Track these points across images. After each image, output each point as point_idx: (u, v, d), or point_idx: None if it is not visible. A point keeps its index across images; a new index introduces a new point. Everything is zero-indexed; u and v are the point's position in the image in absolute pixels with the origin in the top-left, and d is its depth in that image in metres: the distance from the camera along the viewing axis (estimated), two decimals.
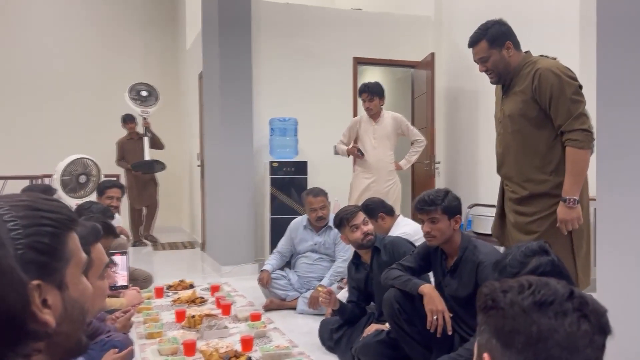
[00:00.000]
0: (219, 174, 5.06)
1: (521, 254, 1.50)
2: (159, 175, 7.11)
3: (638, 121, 1.47)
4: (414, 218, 3.61)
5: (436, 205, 2.30)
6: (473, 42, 2.49)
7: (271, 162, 4.94)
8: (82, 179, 4.72)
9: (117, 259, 2.50)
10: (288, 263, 4.08)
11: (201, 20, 5.78)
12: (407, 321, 2.33)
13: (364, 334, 2.60)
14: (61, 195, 4.73)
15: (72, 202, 4.61)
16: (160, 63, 8.49)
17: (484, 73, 2.54)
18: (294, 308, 3.76)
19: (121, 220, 4.60)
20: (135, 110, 6.74)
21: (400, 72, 6.50)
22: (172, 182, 8.07)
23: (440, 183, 5.59)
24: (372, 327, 2.62)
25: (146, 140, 6.77)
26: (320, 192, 3.89)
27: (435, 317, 2.19)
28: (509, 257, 1.52)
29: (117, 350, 2.15)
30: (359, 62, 5.68)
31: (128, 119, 7.03)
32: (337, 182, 5.02)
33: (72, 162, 4.74)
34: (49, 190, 3.67)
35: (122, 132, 7.16)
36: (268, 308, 3.77)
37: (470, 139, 5.14)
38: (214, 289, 4.24)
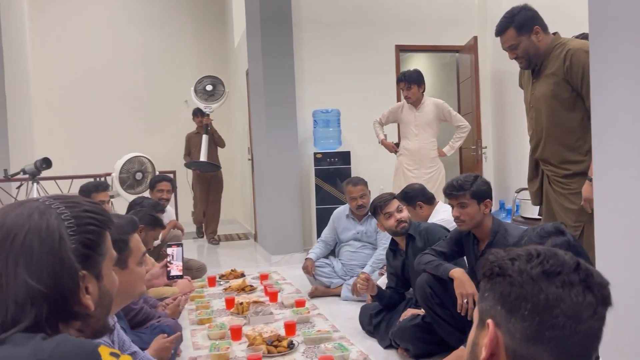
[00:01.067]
0: (266, 167, 5.21)
1: (536, 235, 1.52)
2: None
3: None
4: None
5: (465, 190, 2.33)
6: (500, 31, 2.47)
7: (315, 154, 5.04)
8: (139, 175, 5.00)
9: (173, 250, 2.66)
10: (333, 251, 4.17)
11: (245, 18, 5.95)
12: (439, 305, 2.37)
13: (401, 319, 2.66)
14: (119, 191, 5.03)
15: (130, 198, 4.91)
16: (212, 61, 8.75)
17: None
18: (338, 295, 3.86)
19: (173, 213, 4.83)
20: (199, 105, 6.54)
21: (448, 57, 6.42)
22: (226, 176, 8.34)
23: (487, 168, 5.51)
24: (409, 312, 2.68)
25: (205, 138, 6.45)
26: (359, 181, 3.95)
27: (465, 300, 2.22)
28: (524, 239, 1.54)
29: (165, 335, 2.32)
30: (402, 49, 5.67)
31: (196, 113, 6.72)
32: (381, 171, 5.07)
33: (128, 160, 5.03)
34: (102, 185, 3.92)
35: (175, 129, 7.48)
36: (313, 295, 3.89)
37: (517, 122, 5.02)
38: (263, 277, 4.40)
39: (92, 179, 6.48)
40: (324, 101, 5.28)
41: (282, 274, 4.72)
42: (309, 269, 3.94)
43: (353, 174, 4.84)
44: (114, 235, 1.49)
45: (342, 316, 3.42)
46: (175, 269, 2.55)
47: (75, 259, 0.82)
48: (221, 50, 8.82)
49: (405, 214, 2.90)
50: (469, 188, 2.33)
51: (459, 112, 5.69)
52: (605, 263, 1.52)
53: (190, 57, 8.65)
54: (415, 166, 4.40)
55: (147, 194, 4.61)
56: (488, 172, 5.50)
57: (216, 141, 6.61)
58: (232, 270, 4.67)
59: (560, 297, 0.73)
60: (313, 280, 3.98)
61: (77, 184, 6.42)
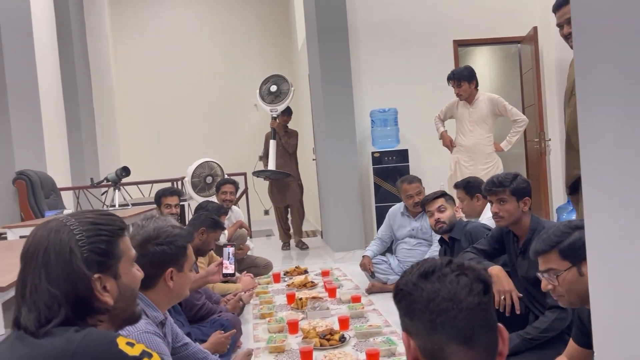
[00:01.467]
0: (328, 167, 5.39)
1: (565, 226, 1.59)
2: None
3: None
4: None
5: (504, 187, 2.37)
6: (561, 4, 2.47)
7: (373, 153, 5.15)
8: (209, 179, 5.35)
9: (227, 249, 2.90)
10: (390, 248, 4.27)
11: (304, 21, 6.15)
12: None
13: None
14: (192, 194, 5.41)
15: (201, 201, 5.26)
16: (278, 65, 9.06)
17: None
18: None
19: (242, 214, 5.12)
20: (265, 109, 6.18)
21: (511, 48, 6.29)
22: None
23: (553, 161, 5.36)
24: None
25: (272, 145, 6.03)
26: (414, 179, 4.02)
27: (502, 297, 2.27)
28: (552, 229, 1.62)
29: (222, 330, 2.55)
30: (460, 44, 5.63)
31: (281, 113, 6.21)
32: (439, 167, 5.09)
33: (199, 165, 5.40)
34: (169, 190, 4.26)
35: (245, 132, 7.84)
36: (370, 291, 4.01)
37: None
38: (324, 273, 4.58)
39: (169, 183, 6.99)
40: (381, 100, 5.37)
41: (344, 270, 4.88)
42: (366, 266, 4.07)
43: (411, 172, 4.91)
44: (179, 243, 1.72)
45: (396, 312, 3.50)
46: (229, 268, 2.78)
47: (87, 266, 1.02)
48: (286, 54, 9.10)
49: (446, 214, 2.96)
50: (508, 185, 2.37)
51: (522, 104, 5.58)
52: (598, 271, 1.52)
53: (258, 62, 9.00)
54: (471, 162, 4.40)
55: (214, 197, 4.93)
56: (554, 165, 5.35)
57: (284, 146, 6.08)
58: (296, 267, 4.88)
59: (437, 289, 0.88)
60: (371, 277, 4.11)
61: (157, 188, 6.94)
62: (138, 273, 1.16)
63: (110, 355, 0.94)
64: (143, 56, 8.71)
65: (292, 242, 6.34)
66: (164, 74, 8.73)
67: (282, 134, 6.08)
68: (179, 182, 6.94)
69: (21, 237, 3.42)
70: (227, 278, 3.13)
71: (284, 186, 6.11)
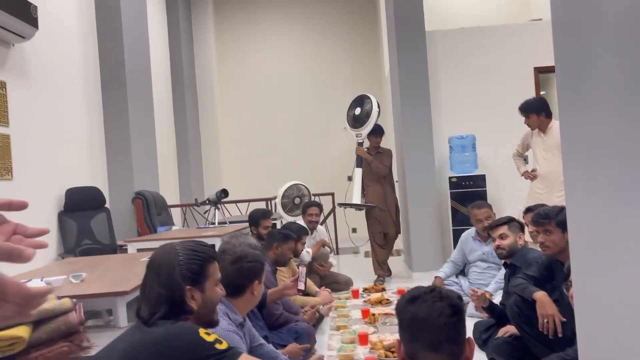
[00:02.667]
0: (408, 190, 5.68)
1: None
2: None
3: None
4: None
5: (550, 219, 2.58)
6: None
7: (450, 178, 5.37)
8: (297, 200, 5.85)
9: (300, 270, 3.34)
10: (463, 271, 4.48)
11: (387, 50, 6.52)
12: (526, 323, 2.63)
13: (498, 335, 2.94)
14: (282, 214, 5.93)
15: (290, 220, 5.77)
16: (367, 89, 9.47)
17: None
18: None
19: (326, 233, 5.55)
20: (351, 133, 5.85)
21: None
22: None
23: None
24: (506, 329, 2.95)
25: (357, 174, 5.57)
26: (484, 204, 4.22)
27: (545, 320, 2.47)
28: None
29: (298, 339, 2.97)
30: (541, 71, 5.71)
31: (376, 131, 5.64)
32: (517, 193, 5.19)
33: (289, 187, 5.91)
34: (267, 213, 4.77)
35: (335, 154, 8.29)
36: None
37: None
38: (400, 292, 4.86)
39: (263, 202, 7.61)
40: (460, 126, 5.59)
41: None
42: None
43: (489, 197, 5.07)
44: (261, 260, 2.17)
45: None
46: (300, 285, 3.20)
47: (182, 279, 1.49)
48: (376, 79, 9.50)
49: (506, 242, 3.17)
50: (554, 217, 2.58)
51: None
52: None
53: (349, 86, 9.47)
54: (545, 190, 4.49)
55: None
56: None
57: (374, 170, 5.51)
58: (374, 285, 5.21)
59: (417, 311, 1.24)
60: None
61: (253, 206, 7.60)
62: (219, 291, 1.60)
63: (193, 339, 1.38)
64: (242, 85, 9.53)
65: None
66: (261, 100, 9.49)
67: (373, 155, 5.54)
68: (272, 202, 7.55)
69: (138, 250, 4.07)
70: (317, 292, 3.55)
71: (381, 211, 5.51)
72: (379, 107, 5.59)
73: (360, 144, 5.61)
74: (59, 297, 1.87)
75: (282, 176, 8.37)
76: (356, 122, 5.65)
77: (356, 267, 7.03)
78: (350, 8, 9.35)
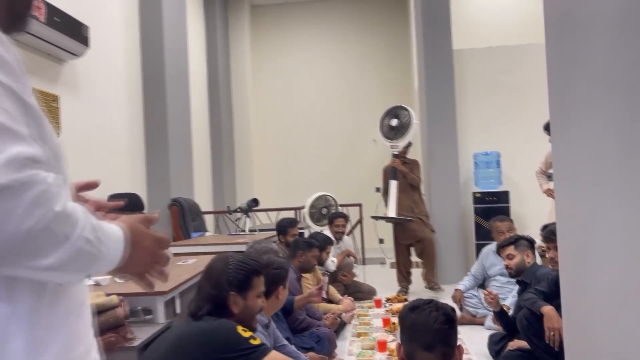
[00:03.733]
0: (433, 204, 5.83)
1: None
2: None
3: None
4: None
5: None
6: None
7: (474, 193, 5.50)
8: (324, 211, 6.07)
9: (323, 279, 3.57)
10: (482, 284, 4.60)
11: (416, 68, 6.71)
12: (534, 335, 2.78)
13: (508, 347, 3.09)
14: (309, 224, 6.15)
15: (317, 229, 6.00)
16: (396, 102, 9.63)
17: None
18: (482, 324, 4.29)
19: (352, 243, 5.74)
20: (385, 145, 5.71)
21: None
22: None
23: None
24: (515, 343, 3.09)
25: (393, 186, 5.37)
26: (505, 218, 4.36)
27: (552, 333, 2.61)
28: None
29: (318, 343, 3.18)
30: None
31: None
32: (540, 210, 5.29)
33: (317, 197, 6.14)
34: (294, 222, 5.01)
35: (363, 166, 8.48)
36: (460, 322, 4.37)
37: None
38: None
39: (293, 211, 7.85)
40: (485, 143, 5.72)
41: (444, 301, 5.25)
42: (457, 298, 4.45)
43: (512, 213, 5.18)
44: (286, 267, 2.42)
45: (478, 342, 3.87)
46: (322, 294, 3.42)
47: (228, 285, 1.73)
48: (406, 92, 9.66)
49: (514, 261, 3.31)
50: None
51: None
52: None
53: (379, 99, 9.65)
54: None
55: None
56: None
57: (410, 182, 5.42)
58: (397, 295, 5.37)
59: (416, 318, 1.46)
60: (460, 309, 4.47)
61: (283, 215, 7.85)
62: (260, 303, 1.85)
63: (231, 333, 1.62)
64: (276, 97, 9.84)
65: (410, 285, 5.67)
66: (292, 110, 9.77)
67: (405, 172, 5.42)
68: (300, 211, 7.79)
69: (174, 254, 4.36)
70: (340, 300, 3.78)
71: (412, 222, 5.40)
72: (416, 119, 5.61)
73: (395, 156, 5.49)
74: (107, 294, 2.13)
75: (312, 186, 8.62)
76: (393, 133, 5.54)
77: (381, 278, 7.18)
78: (383, 20, 9.56)
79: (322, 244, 4.21)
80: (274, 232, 5.31)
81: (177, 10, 6.53)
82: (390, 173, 5.47)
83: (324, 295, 3.51)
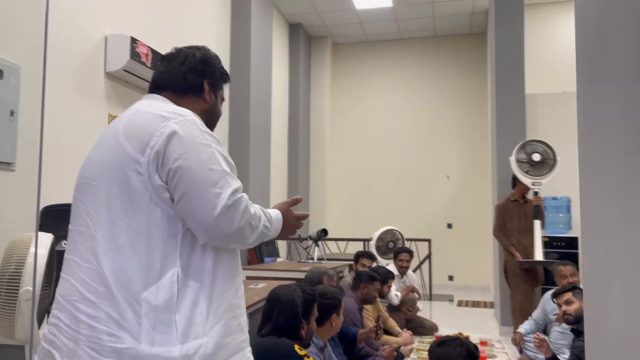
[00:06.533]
0: (501, 246, 5.87)
1: None
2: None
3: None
4: None
5: None
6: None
7: (542, 237, 5.49)
8: (390, 244, 6.27)
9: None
10: (545, 329, 4.61)
11: (489, 110, 6.81)
12: None
13: None
14: (377, 257, 6.38)
15: (383, 262, 6.21)
16: (471, 140, 9.69)
17: None
18: None
19: (415, 279, 5.90)
20: (524, 180, 5.25)
21: None
22: (483, 244, 9.06)
23: None
24: None
25: (537, 226, 5.12)
26: (568, 262, 4.38)
27: None
28: None
29: None
30: None
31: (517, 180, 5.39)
32: None
33: (384, 231, 6.36)
34: (367, 254, 5.31)
35: (434, 201, 8.57)
36: None
37: None
38: (482, 343, 5.07)
39: (361, 242, 8.09)
40: (555, 187, 5.71)
41: (505, 343, 5.27)
42: (516, 341, 4.49)
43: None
44: (339, 297, 2.71)
45: None
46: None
47: (302, 315, 2.05)
48: (481, 130, 9.71)
49: (572, 307, 3.36)
50: None
51: None
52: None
53: (452, 135, 9.76)
54: None
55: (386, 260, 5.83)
56: None
57: (542, 219, 5.26)
58: (459, 333, 5.43)
59: (443, 352, 1.70)
60: (519, 352, 4.50)
61: (351, 245, 8.13)
62: (315, 325, 2.17)
63: (289, 350, 1.93)
64: (352, 131, 10.21)
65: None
66: (367, 146, 10.09)
67: (522, 203, 5.33)
68: (368, 243, 8.02)
69: (247, 277, 4.75)
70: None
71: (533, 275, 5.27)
72: None
73: (536, 194, 5.18)
74: None
75: (382, 219, 8.86)
76: (536, 169, 5.19)
77: (447, 314, 7.23)
78: (460, 60, 9.72)
79: (384, 277, 4.44)
80: (340, 262, 5.61)
81: (264, 49, 7.12)
82: (507, 210, 5.32)
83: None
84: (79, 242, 1.24)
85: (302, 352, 1.92)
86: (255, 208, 1.36)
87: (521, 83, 5.84)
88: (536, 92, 6.01)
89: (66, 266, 1.26)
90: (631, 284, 1.35)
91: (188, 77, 1.46)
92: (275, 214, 1.46)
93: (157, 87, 1.46)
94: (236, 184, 1.30)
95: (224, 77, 1.56)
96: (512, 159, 5.32)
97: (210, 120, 1.52)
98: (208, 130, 1.34)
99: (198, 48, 1.52)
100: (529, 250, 5.25)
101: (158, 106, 1.33)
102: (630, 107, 1.31)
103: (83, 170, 1.31)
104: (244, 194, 1.33)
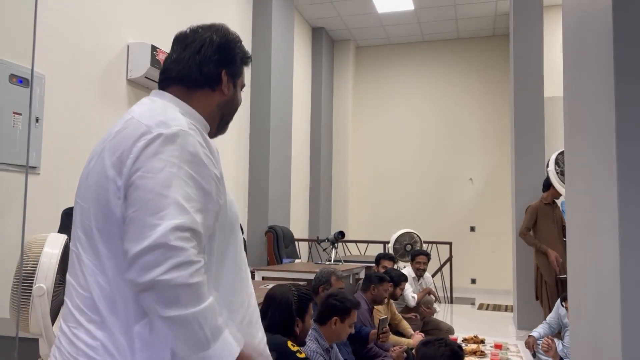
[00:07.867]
0: (517, 249, 5.85)
1: None
2: None
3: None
4: None
5: None
6: None
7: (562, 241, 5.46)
8: (408, 247, 6.31)
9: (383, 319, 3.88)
10: (559, 333, 4.59)
11: (509, 121, 6.77)
12: None
13: None
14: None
15: (401, 265, 6.26)
16: (495, 144, 9.60)
17: None
18: None
19: (431, 281, 5.93)
20: (562, 192, 5.20)
21: None
22: (503, 247, 8.99)
23: None
24: None
25: None
26: None
27: None
28: None
29: None
30: None
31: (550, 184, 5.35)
32: None
33: (402, 234, 6.41)
34: (388, 255, 5.41)
35: (455, 204, 8.55)
36: None
37: None
38: (497, 346, 5.07)
39: (381, 244, 8.13)
40: None
41: (520, 347, 5.26)
42: (529, 344, 4.49)
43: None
44: (346, 304, 2.80)
45: None
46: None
47: (295, 313, 2.15)
48: (501, 132, 9.62)
49: None
50: None
51: None
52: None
53: (474, 137, 9.69)
54: None
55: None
56: None
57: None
58: (474, 336, 5.44)
59: (427, 351, 1.77)
60: (532, 356, 4.50)
61: (371, 247, 8.18)
62: (311, 323, 2.27)
63: (282, 347, 2.03)
64: (374, 133, 10.25)
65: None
66: (390, 148, 10.11)
67: (554, 207, 5.36)
68: (387, 245, 8.05)
69: (263, 277, 4.87)
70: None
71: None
72: None
73: None
74: None
75: (404, 221, 8.89)
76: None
77: (466, 317, 7.22)
78: (483, 63, 9.67)
79: (397, 280, 4.50)
80: (357, 264, 5.69)
81: (285, 53, 7.25)
82: (541, 212, 5.32)
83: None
84: (76, 266, 1.19)
85: (294, 348, 2.02)
86: (211, 294, 1.10)
87: (540, 86, 5.81)
88: (556, 95, 5.96)
89: (68, 287, 1.21)
90: (598, 286, 1.42)
91: (204, 69, 1.28)
92: (232, 344, 1.11)
93: (167, 78, 1.30)
94: (185, 220, 1.04)
95: (245, 60, 1.37)
96: (551, 169, 5.25)
97: (227, 113, 1.36)
98: (202, 142, 1.17)
99: (216, 29, 1.35)
100: (563, 260, 5.08)
101: (155, 111, 1.18)
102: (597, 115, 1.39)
103: (78, 186, 1.24)
104: (195, 250, 1.05)
